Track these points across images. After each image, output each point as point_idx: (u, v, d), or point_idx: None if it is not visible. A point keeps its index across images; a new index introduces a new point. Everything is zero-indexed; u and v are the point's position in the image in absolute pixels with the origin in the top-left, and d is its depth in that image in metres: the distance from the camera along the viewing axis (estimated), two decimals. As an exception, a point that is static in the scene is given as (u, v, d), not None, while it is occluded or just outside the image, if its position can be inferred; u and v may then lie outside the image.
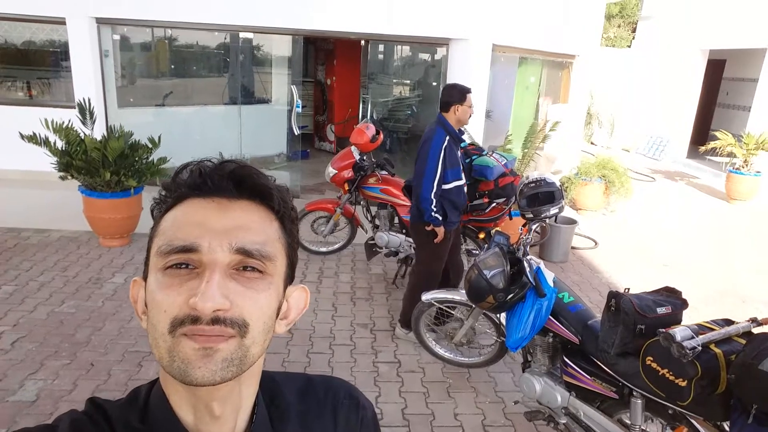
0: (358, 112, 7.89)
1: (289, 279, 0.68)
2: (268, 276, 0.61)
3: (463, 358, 3.46)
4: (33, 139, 4.65)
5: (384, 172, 4.59)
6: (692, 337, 1.91)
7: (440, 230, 3.51)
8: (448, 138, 3.44)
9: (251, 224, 0.61)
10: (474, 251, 4.36)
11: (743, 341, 1.96)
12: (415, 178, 3.57)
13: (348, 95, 9.03)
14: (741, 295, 4.97)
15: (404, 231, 4.50)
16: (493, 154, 4.18)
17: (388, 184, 4.49)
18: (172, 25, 6.69)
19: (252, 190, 0.63)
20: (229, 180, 0.62)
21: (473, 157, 4.10)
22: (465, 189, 3.67)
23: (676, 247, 6.17)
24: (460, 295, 3.19)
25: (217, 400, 0.61)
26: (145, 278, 0.63)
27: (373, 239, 4.61)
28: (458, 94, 3.49)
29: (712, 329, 2.01)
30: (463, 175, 3.64)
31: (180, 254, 0.58)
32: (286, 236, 0.66)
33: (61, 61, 6.73)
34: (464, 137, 4.64)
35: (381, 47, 8.29)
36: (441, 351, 3.51)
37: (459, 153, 3.62)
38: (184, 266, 0.58)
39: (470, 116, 3.57)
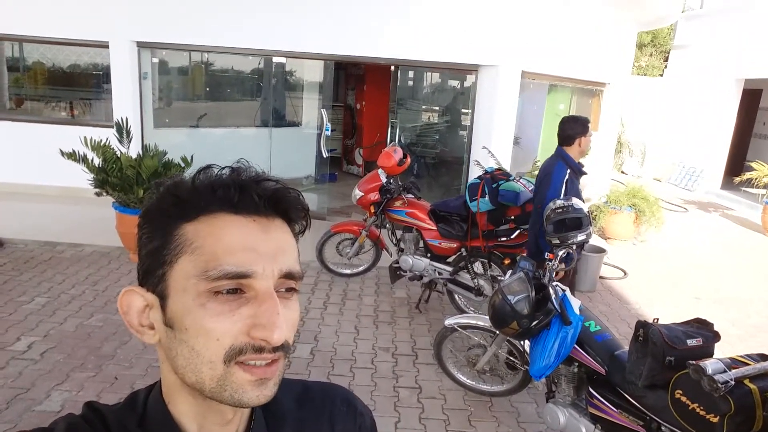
0: (387, 136, 7.96)
1: None
2: (298, 293, 0.63)
3: (485, 386, 3.39)
4: (72, 156, 4.82)
5: (410, 196, 4.60)
6: (725, 371, 1.84)
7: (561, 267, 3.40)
8: (569, 171, 3.44)
9: (287, 245, 0.62)
10: (499, 277, 4.31)
11: (780, 377, 1.88)
12: (534, 214, 3.54)
13: (377, 120, 9.14)
14: (779, 331, 4.77)
15: (429, 255, 4.49)
16: (521, 180, 4.16)
17: (414, 208, 4.50)
18: (209, 49, 6.92)
19: (287, 209, 0.63)
20: (268, 200, 0.61)
21: (500, 183, 4.08)
22: None
23: (709, 280, 5.98)
24: (483, 320, 3.14)
25: (232, 408, 0.62)
26: (148, 287, 0.60)
27: (398, 263, 4.60)
28: (581, 127, 3.49)
29: (747, 364, 1.94)
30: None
31: (232, 280, 0.56)
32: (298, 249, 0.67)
33: (103, 83, 7.01)
34: (492, 162, 4.65)
35: (410, 73, 8.41)
36: (463, 378, 3.45)
37: (579, 185, 3.57)
38: (233, 291, 0.57)
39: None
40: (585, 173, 3.64)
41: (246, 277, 0.56)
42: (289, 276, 0.60)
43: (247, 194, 0.59)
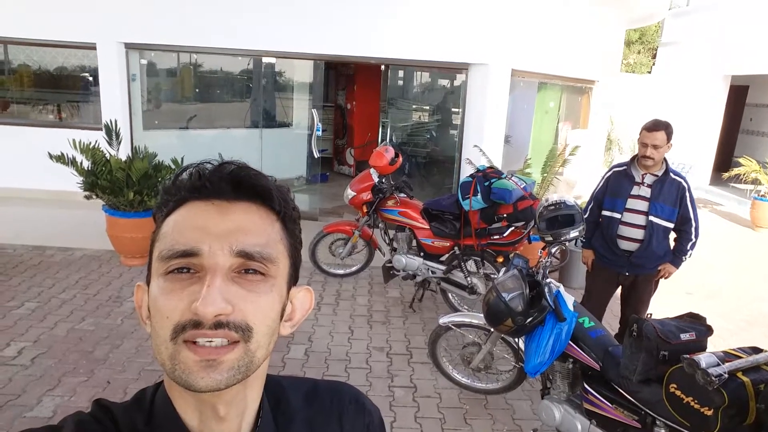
0: (378, 136, 7.96)
1: (293, 280, 0.67)
2: (271, 278, 0.61)
3: (480, 384, 3.40)
4: (61, 159, 4.77)
5: (402, 195, 4.60)
6: (718, 364, 1.86)
7: (586, 252, 3.64)
8: (624, 168, 3.52)
9: (252, 226, 0.60)
10: (492, 275, 4.32)
11: (772, 370, 1.90)
12: None
13: (368, 119, 9.14)
14: (769, 324, 4.82)
15: (422, 254, 4.49)
16: (512, 178, 4.16)
17: (407, 207, 4.50)
18: (198, 50, 6.87)
19: (251, 191, 0.62)
20: (228, 182, 0.61)
21: (492, 181, 4.09)
22: (617, 225, 3.42)
23: (700, 275, 6.03)
24: (478, 318, 3.15)
25: (222, 403, 0.61)
26: (148, 283, 0.62)
27: (391, 262, 4.60)
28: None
29: (739, 357, 1.96)
30: (625, 211, 3.40)
31: (181, 259, 0.57)
32: (288, 237, 0.65)
33: (90, 85, 6.95)
34: (483, 160, 4.66)
35: (401, 72, 8.41)
36: (458, 376, 3.45)
37: (631, 187, 3.41)
38: (185, 270, 0.58)
39: (644, 155, 3.28)
40: (633, 175, 3.43)
41: (193, 255, 0.57)
42: (246, 256, 0.58)
43: (206, 179, 0.61)
